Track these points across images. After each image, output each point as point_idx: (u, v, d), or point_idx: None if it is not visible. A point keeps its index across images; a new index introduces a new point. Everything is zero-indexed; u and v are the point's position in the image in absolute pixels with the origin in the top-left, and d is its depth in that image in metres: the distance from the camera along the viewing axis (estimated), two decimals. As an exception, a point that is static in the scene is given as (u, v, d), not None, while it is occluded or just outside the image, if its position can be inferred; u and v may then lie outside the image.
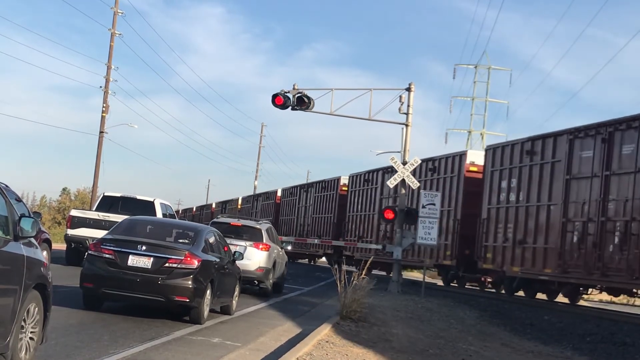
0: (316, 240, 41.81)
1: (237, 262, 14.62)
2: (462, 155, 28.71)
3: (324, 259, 47.04)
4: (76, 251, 21.04)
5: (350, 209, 39.11)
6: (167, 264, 11.45)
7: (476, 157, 28.08)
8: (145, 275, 11.35)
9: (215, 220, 20.44)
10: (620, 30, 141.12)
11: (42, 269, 7.25)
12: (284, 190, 53.61)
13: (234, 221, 19.68)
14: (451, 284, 30.24)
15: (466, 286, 29.60)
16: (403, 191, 25.26)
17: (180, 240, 12.42)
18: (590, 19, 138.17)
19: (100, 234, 16.56)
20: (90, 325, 10.37)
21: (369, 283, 15.14)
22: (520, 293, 25.00)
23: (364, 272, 14.48)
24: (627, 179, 18.80)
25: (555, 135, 22.27)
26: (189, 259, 11.57)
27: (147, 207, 21.44)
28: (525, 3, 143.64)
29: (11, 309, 6.56)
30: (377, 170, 35.79)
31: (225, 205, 70.83)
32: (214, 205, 77.09)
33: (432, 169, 30.13)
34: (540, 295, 24.43)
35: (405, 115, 24.89)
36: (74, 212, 22.29)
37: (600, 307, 25.03)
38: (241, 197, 67.55)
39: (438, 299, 22.03)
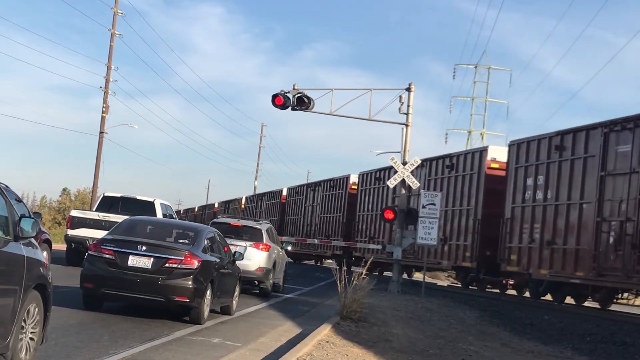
0: (322, 240, 40.70)
1: (237, 262, 14.62)
2: (482, 151, 27.37)
3: (330, 260, 45.69)
4: (76, 251, 21.04)
5: (361, 209, 38.03)
6: (167, 264, 11.45)
7: (498, 153, 26.70)
8: (146, 275, 11.34)
9: (215, 220, 20.42)
10: (620, 30, 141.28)
11: (42, 269, 7.25)
12: (289, 189, 52.51)
13: (234, 221, 19.67)
14: (470, 287, 28.91)
15: (486, 289, 28.15)
16: (403, 191, 25.25)
17: (181, 241, 12.41)
18: (591, 19, 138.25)
19: (100, 234, 16.58)
20: (90, 326, 10.36)
21: (369, 283, 15.14)
22: (547, 297, 23.67)
23: (364, 273, 14.50)
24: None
25: (588, 128, 20.81)
26: (189, 259, 11.57)
27: (147, 207, 21.43)
28: (525, 3, 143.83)
29: (11, 310, 6.56)
30: (389, 168, 35.11)
31: (229, 205, 70.30)
32: (216, 205, 76.58)
33: (449, 166, 28.76)
34: (569, 300, 23.30)
35: (405, 115, 24.90)
36: (74, 213, 22.30)
37: (633, 312, 22.81)
38: (244, 196, 66.76)
39: (438, 299, 22.03)
